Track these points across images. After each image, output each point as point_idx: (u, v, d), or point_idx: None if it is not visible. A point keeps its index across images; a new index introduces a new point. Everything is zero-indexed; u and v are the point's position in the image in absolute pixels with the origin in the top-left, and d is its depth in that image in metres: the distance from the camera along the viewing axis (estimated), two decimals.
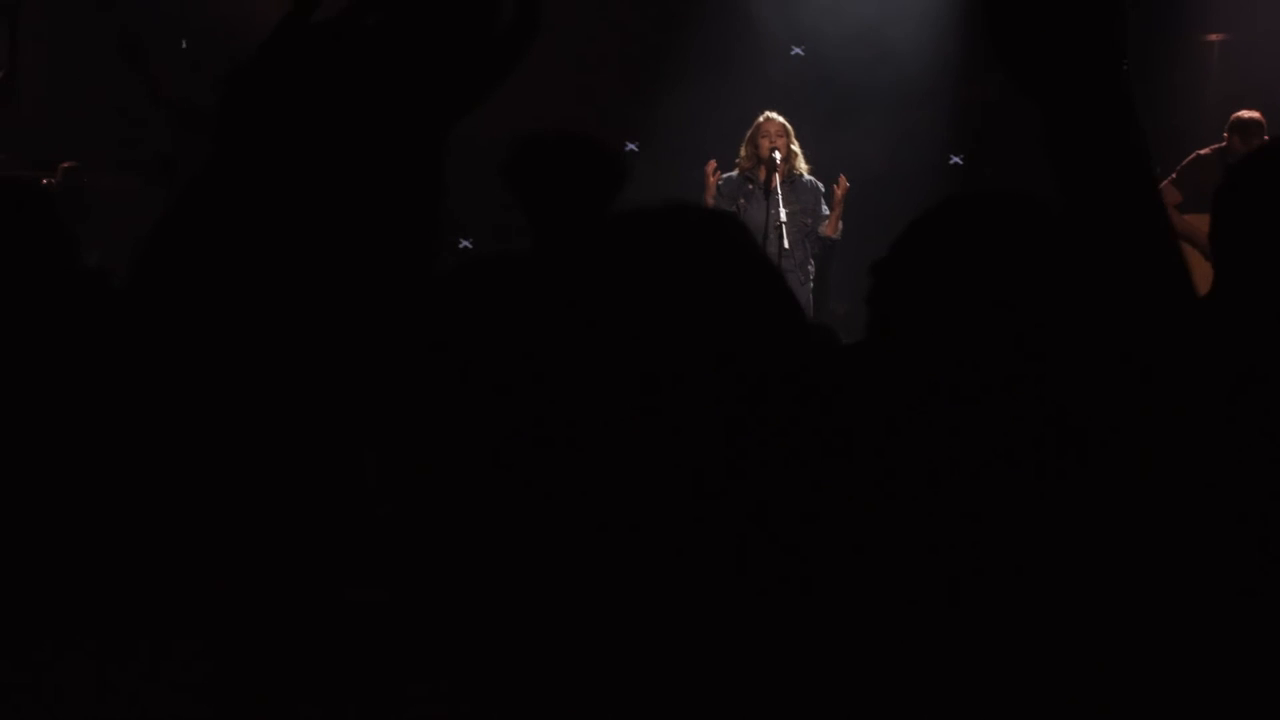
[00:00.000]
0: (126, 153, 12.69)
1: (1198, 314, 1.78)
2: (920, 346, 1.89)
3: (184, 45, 13.22)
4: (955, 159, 12.66)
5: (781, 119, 10.24)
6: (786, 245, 9.61)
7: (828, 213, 10.16)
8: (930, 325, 1.90)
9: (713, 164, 10.23)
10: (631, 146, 13.46)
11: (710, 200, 10.09)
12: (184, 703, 1.62)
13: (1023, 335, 1.80)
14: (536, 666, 1.59)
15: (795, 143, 10.23)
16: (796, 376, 1.69)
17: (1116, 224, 1.76)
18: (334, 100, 1.62)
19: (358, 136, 1.61)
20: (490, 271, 1.75)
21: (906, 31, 12.52)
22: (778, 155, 9.95)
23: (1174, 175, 9.97)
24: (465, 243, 12.45)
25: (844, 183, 10.14)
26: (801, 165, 10.25)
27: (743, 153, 10.30)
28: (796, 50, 13.35)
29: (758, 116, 10.36)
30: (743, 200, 10.12)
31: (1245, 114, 10.02)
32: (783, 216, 9.69)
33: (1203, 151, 10.20)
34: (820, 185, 10.26)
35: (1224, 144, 10.11)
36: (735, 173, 10.27)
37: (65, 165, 12.08)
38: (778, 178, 9.88)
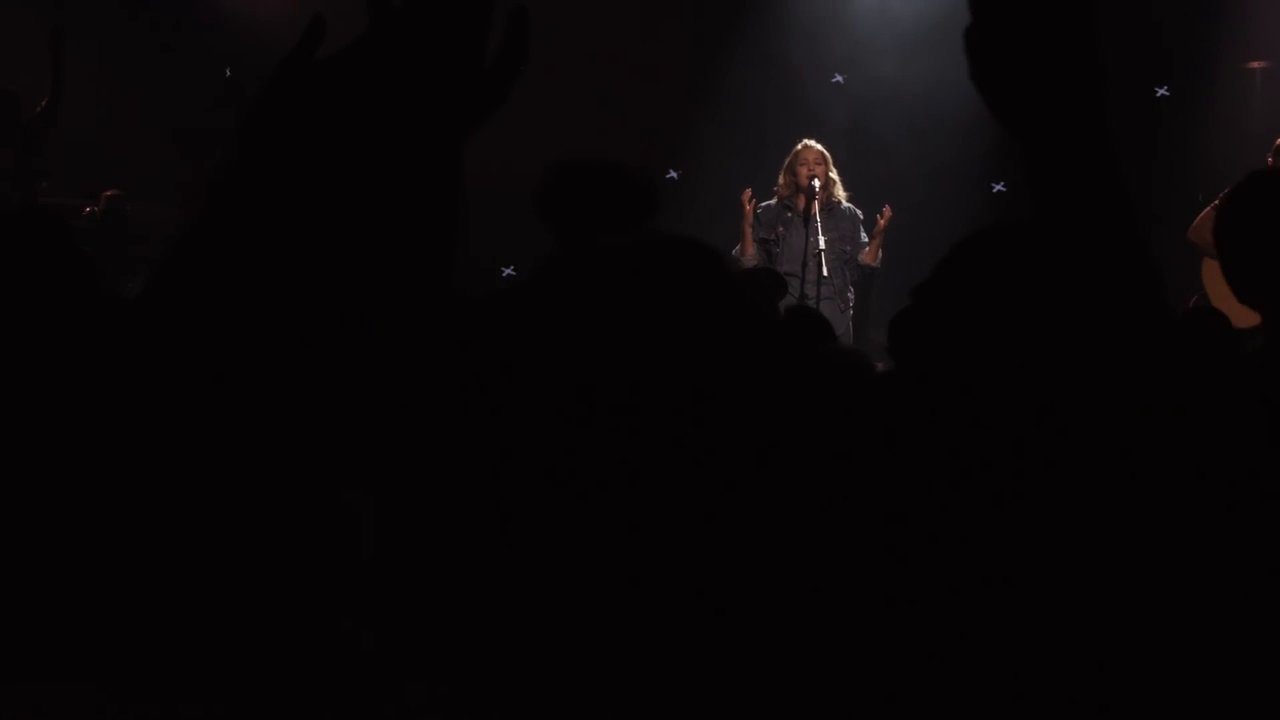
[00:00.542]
0: (173, 184, 12.79)
1: (1176, 337, 1.77)
2: (940, 371, 1.89)
3: (228, 73, 13.31)
4: (998, 186, 12.63)
5: (820, 146, 10.24)
6: (825, 273, 9.60)
7: (867, 240, 10.15)
8: (951, 350, 1.90)
9: (748, 193, 10.23)
10: (673, 174, 13.49)
11: (748, 228, 10.10)
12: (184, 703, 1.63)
13: (1026, 357, 1.81)
14: (536, 670, 1.60)
15: (834, 170, 10.23)
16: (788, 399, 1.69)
17: (1095, 253, 1.75)
18: (344, 122, 1.63)
19: (368, 156, 1.63)
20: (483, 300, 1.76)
21: (949, 57, 12.49)
22: (816, 183, 9.95)
23: (1217, 201, 9.94)
24: (509, 270, 12.48)
25: (887, 212, 10.12)
26: (840, 193, 10.24)
27: (781, 180, 10.31)
28: (837, 78, 13.36)
29: (796, 144, 10.37)
30: (781, 228, 10.12)
31: None
32: (821, 244, 9.69)
33: None
34: (859, 212, 10.26)
35: (1269, 168, 10.08)
36: (774, 200, 10.28)
37: (108, 193, 12.16)
38: (816, 205, 9.88)
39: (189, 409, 1.57)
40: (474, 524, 1.61)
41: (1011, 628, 1.72)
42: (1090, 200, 1.75)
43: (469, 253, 1.89)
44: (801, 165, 10.13)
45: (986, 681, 1.70)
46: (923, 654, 1.70)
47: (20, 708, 1.66)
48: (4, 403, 2.39)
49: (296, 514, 1.61)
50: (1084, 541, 1.72)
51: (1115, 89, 1.78)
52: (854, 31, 13.14)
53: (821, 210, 9.93)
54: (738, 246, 10.15)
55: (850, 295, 10.23)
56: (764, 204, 10.26)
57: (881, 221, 10.10)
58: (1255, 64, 13.09)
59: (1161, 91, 12.94)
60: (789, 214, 10.16)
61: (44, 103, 10.81)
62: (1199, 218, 9.35)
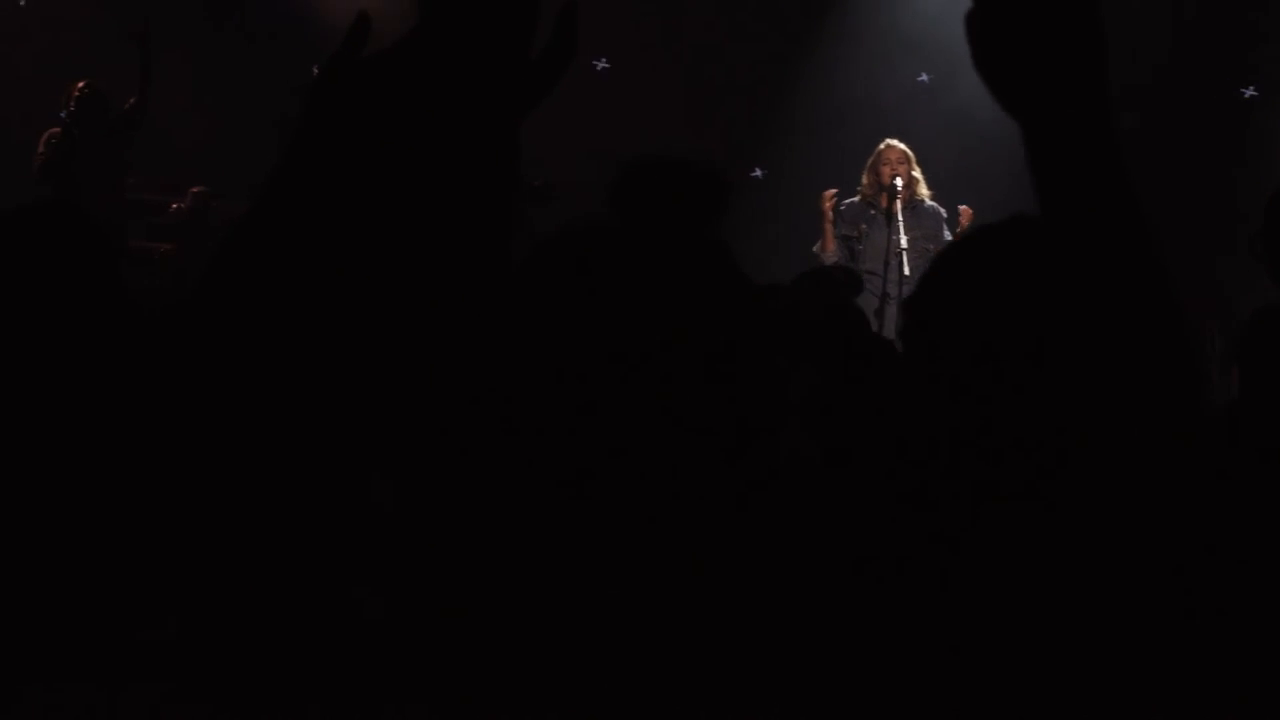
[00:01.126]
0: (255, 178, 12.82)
1: (1181, 331, 1.75)
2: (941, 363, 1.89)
3: (315, 72, 13.38)
4: None
5: (903, 146, 10.22)
6: (907, 271, 9.56)
7: (950, 238, 10.11)
8: (951, 345, 1.90)
9: (829, 192, 10.22)
10: (758, 172, 13.49)
11: (828, 226, 10.09)
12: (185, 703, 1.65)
13: (1026, 354, 1.80)
14: (534, 669, 1.61)
15: (917, 169, 10.20)
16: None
17: (1098, 244, 1.74)
18: (394, 116, 1.65)
19: (417, 151, 1.64)
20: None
21: None
22: (899, 181, 9.93)
23: None
24: None
25: (968, 213, 10.08)
26: (924, 191, 10.21)
27: (864, 180, 10.29)
28: (923, 76, 13.32)
29: (879, 144, 10.36)
30: (864, 225, 10.11)
31: None
32: (903, 242, 9.65)
33: None
34: (943, 211, 10.22)
35: None
36: (857, 198, 10.26)
37: (195, 190, 12.25)
38: (899, 204, 9.85)
39: (230, 405, 1.59)
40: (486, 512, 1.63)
41: (1012, 625, 1.71)
42: (1091, 186, 1.74)
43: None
44: (884, 164, 10.11)
45: (978, 674, 1.70)
46: (923, 645, 1.70)
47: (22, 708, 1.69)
48: (30, 395, 2.42)
49: (322, 503, 1.62)
50: (1079, 538, 1.72)
51: (1202, 89, 1.78)
52: (941, 28, 13.08)
53: (904, 209, 9.90)
54: (818, 244, 10.14)
55: None
56: (847, 200, 10.24)
57: (963, 221, 10.05)
58: None
59: (1250, 92, 12.83)
60: (872, 211, 10.14)
61: (132, 100, 10.91)
62: None
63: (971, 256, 1.97)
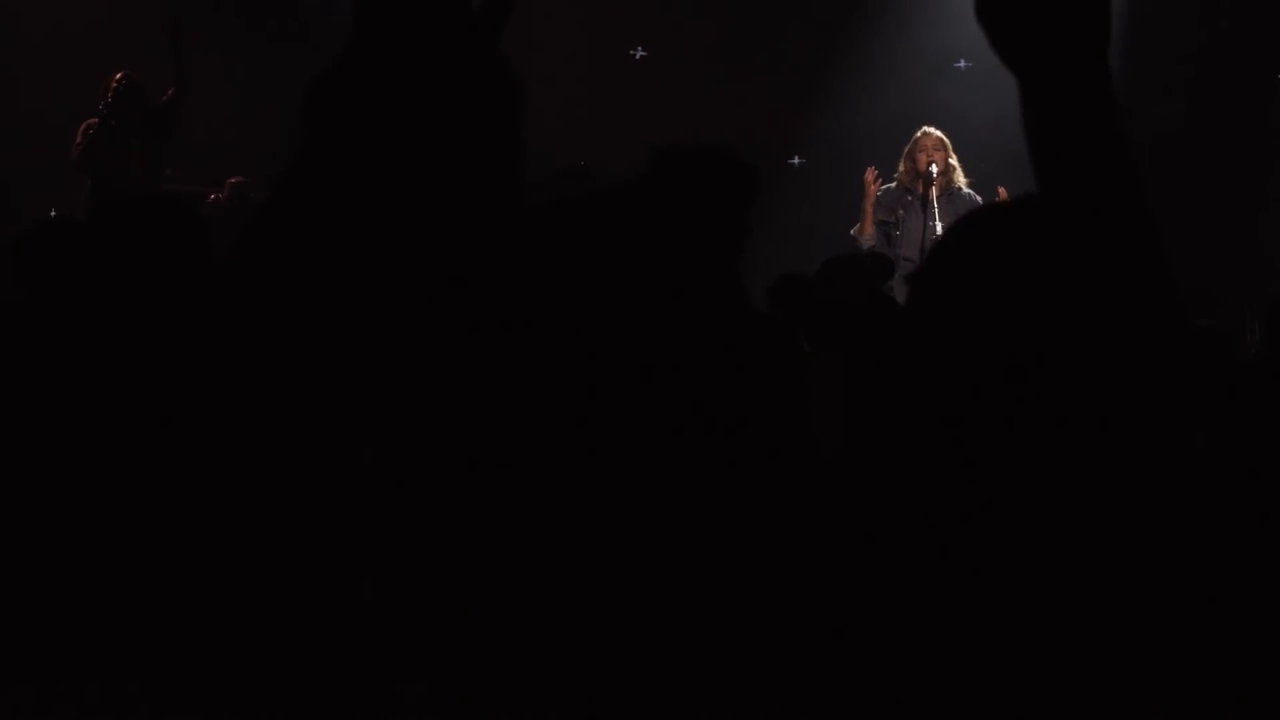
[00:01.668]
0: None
1: (1176, 299, 1.74)
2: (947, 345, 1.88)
3: None
4: None
5: (939, 133, 10.21)
6: None
7: None
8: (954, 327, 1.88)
9: (872, 171, 10.23)
10: (798, 159, 13.46)
11: (869, 207, 10.09)
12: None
13: (1028, 332, 1.79)
14: (535, 665, 1.61)
15: (953, 156, 10.18)
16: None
17: (1094, 208, 1.73)
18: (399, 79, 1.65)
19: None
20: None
21: None
22: (934, 168, 9.92)
23: None
24: None
25: (1002, 194, 10.05)
26: (960, 179, 10.20)
27: (901, 167, 10.28)
28: (961, 63, 13.26)
29: (917, 130, 10.34)
30: (901, 211, 10.10)
31: None
32: (939, 230, 9.64)
33: None
34: (979, 199, 10.19)
35: None
36: (894, 184, 10.25)
37: (233, 180, 12.28)
38: (934, 191, 9.84)
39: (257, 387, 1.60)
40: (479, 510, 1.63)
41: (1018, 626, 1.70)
42: (1087, 144, 1.72)
43: None
44: (920, 151, 10.10)
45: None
46: (948, 636, 1.70)
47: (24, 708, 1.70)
48: (126, 386, 2.43)
49: (325, 493, 1.63)
50: (1079, 524, 1.70)
51: (1239, 71, 1.76)
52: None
53: (941, 196, 9.90)
54: (856, 226, 10.14)
55: None
56: (884, 186, 10.23)
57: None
58: None
59: None
60: (909, 198, 10.13)
61: (170, 92, 10.95)
62: None
63: (974, 234, 1.96)
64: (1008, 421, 1.74)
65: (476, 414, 1.66)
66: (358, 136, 1.64)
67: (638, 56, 13.33)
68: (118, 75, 10.93)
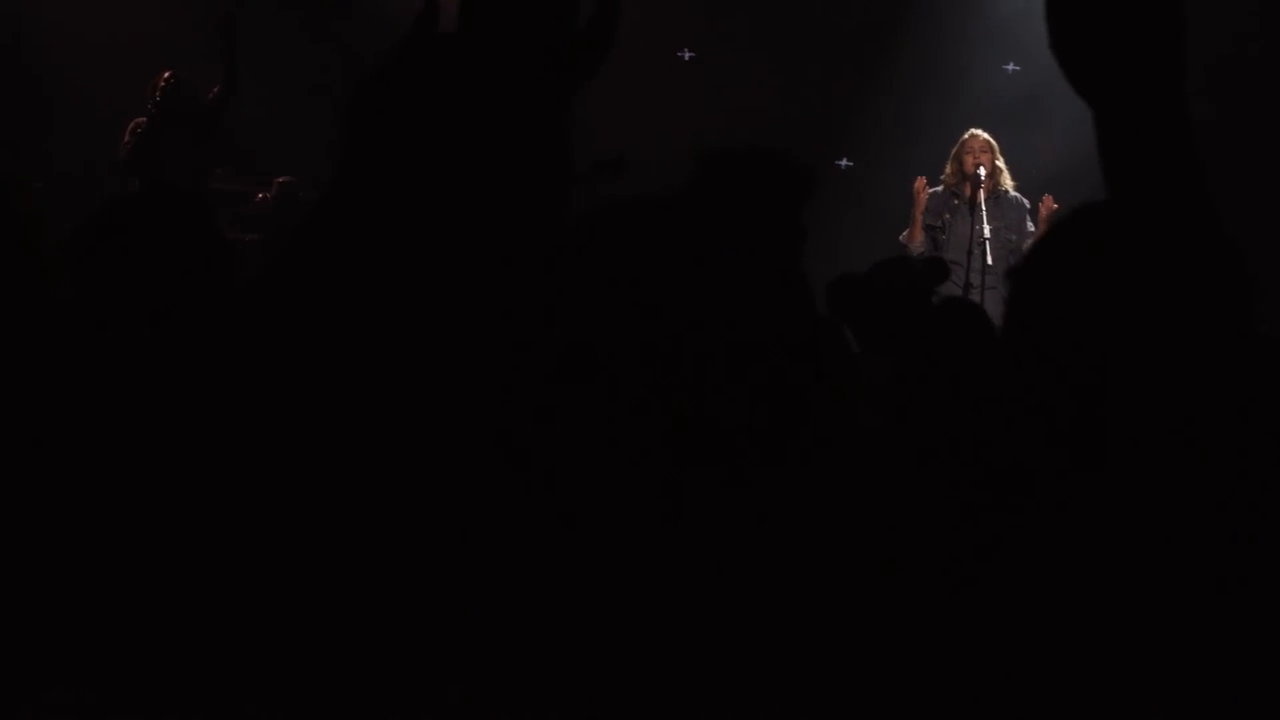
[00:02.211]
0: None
1: (1247, 314, 1.73)
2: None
3: None
4: None
5: (986, 135, 10.17)
6: (990, 261, 9.51)
7: (1033, 229, 10.04)
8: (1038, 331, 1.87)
9: (922, 180, 10.19)
10: (847, 162, 13.45)
11: (919, 214, 10.06)
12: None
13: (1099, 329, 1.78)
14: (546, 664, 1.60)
15: (1000, 159, 10.14)
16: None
17: (1167, 226, 1.72)
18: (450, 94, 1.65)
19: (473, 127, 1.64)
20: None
21: None
22: (981, 171, 9.88)
23: None
24: None
25: (1050, 203, 10.01)
26: (1007, 181, 10.16)
27: (948, 169, 10.25)
28: (1011, 66, 13.22)
29: (964, 133, 10.31)
30: (947, 215, 10.06)
31: None
32: (986, 233, 9.60)
33: None
34: (1026, 202, 10.15)
35: None
36: (941, 188, 10.21)
37: (281, 179, 12.31)
38: (982, 194, 9.80)
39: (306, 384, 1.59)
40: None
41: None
42: (1161, 173, 1.72)
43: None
44: (967, 153, 10.06)
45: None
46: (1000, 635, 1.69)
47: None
48: (141, 380, 2.43)
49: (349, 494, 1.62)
50: (1164, 522, 1.70)
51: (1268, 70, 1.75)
52: (1031, 18, 12.98)
53: (987, 199, 9.86)
54: (905, 232, 10.11)
55: None
56: (931, 190, 10.19)
57: (1044, 211, 9.98)
58: None
59: None
60: (955, 201, 10.10)
61: (216, 89, 10.97)
62: None
63: (1074, 239, 1.95)
64: (1101, 421, 1.74)
65: (534, 419, 1.65)
66: (404, 142, 1.64)
67: (686, 58, 13.31)
68: (165, 74, 10.97)
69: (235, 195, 12.35)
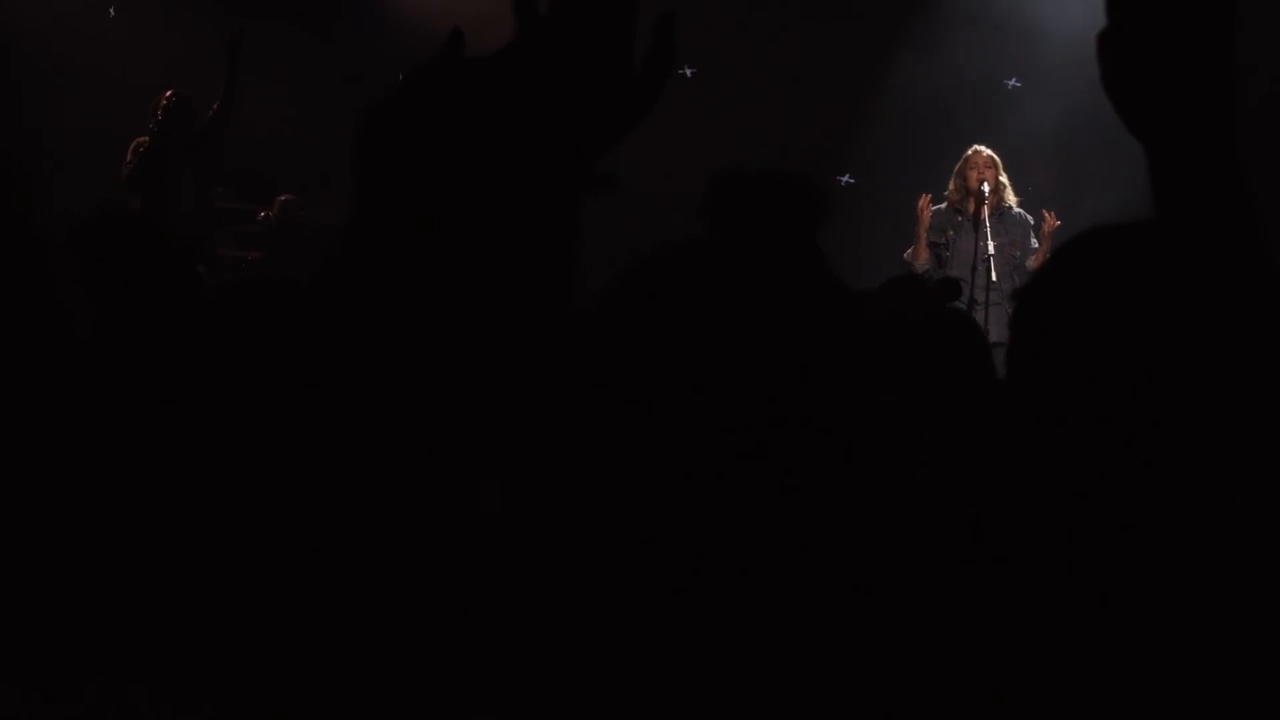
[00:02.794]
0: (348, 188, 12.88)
1: None
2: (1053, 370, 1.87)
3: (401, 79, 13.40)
4: None
5: (989, 151, 10.18)
6: (994, 278, 9.52)
7: (1036, 246, 10.05)
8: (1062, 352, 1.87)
9: (926, 198, 10.19)
10: (848, 179, 13.46)
11: (923, 233, 10.05)
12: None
13: (1138, 354, 1.77)
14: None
15: (1004, 175, 10.16)
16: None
17: (1221, 264, 1.72)
18: (483, 129, 1.63)
19: (504, 165, 1.63)
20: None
21: None
22: (986, 187, 9.88)
23: None
24: None
25: (1052, 220, 10.02)
26: (1010, 198, 10.17)
27: (952, 185, 10.26)
28: (1013, 82, 13.24)
29: (967, 149, 10.32)
30: (951, 232, 10.06)
31: None
32: (990, 249, 9.61)
33: None
34: (1029, 218, 10.16)
35: None
36: (944, 205, 10.21)
37: (283, 198, 12.33)
38: (986, 210, 9.81)
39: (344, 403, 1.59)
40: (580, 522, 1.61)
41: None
42: (1214, 212, 1.72)
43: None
44: (971, 169, 10.08)
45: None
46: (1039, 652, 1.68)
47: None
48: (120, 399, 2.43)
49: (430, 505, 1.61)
50: (1195, 541, 1.69)
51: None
52: (1034, 33, 13.00)
53: (991, 215, 9.86)
54: (910, 250, 10.10)
55: None
56: (934, 207, 10.20)
57: (1046, 228, 10.00)
58: None
59: None
60: (959, 218, 10.10)
61: (215, 106, 10.98)
62: None
63: (1090, 258, 1.95)
64: (1129, 440, 1.74)
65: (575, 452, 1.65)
66: (426, 172, 1.63)
67: (688, 75, 13.32)
68: (167, 93, 10.98)
69: (237, 213, 12.36)
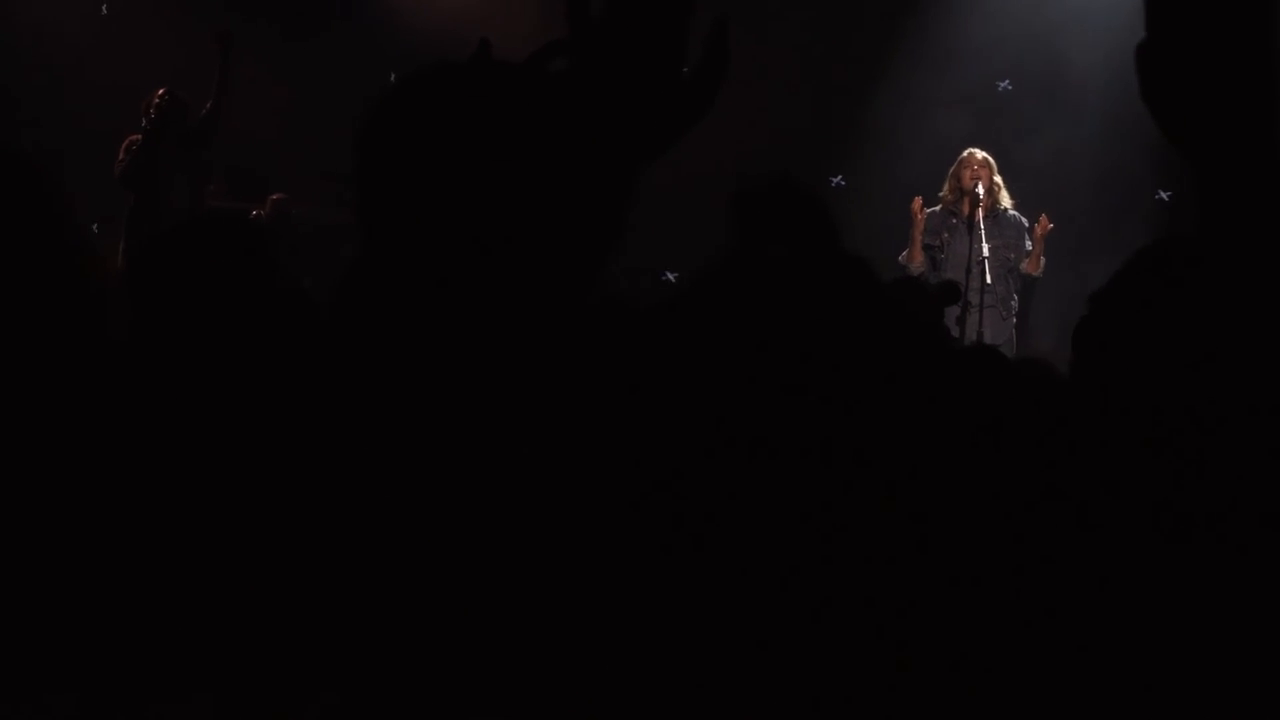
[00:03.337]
0: (340, 187, 12.92)
1: None
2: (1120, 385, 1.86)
3: (393, 79, 13.41)
4: (1162, 195, 12.44)
5: (984, 153, 10.16)
6: (989, 280, 9.49)
7: (1030, 248, 10.04)
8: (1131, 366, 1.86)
9: (919, 200, 10.17)
10: (838, 180, 13.44)
11: (917, 235, 10.03)
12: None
13: (1196, 371, 1.77)
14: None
15: (999, 176, 10.14)
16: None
17: (1263, 274, 1.72)
18: (511, 136, 1.62)
19: (537, 171, 1.62)
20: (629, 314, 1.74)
21: (1117, 65, 12.35)
22: (980, 189, 9.86)
23: None
24: (669, 275, 12.50)
25: (1045, 223, 10.02)
26: (1005, 199, 10.14)
27: (946, 187, 10.24)
28: (1004, 84, 13.23)
29: (961, 151, 10.30)
30: (945, 234, 10.04)
31: None
32: (985, 251, 9.58)
33: None
34: (1024, 220, 10.14)
35: None
36: (938, 207, 10.19)
37: (275, 197, 12.32)
38: (980, 212, 9.78)
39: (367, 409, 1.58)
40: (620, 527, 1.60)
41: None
42: (1258, 222, 1.72)
43: (629, 257, 1.88)
44: (965, 170, 10.05)
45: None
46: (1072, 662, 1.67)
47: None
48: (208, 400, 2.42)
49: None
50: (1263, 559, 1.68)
51: None
52: (1023, 35, 12.99)
53: (986, 217, 9.83)
54: (905, 253, 10.08)
55: (1014, 303, 10.11)
56: (929, 210, 10.17)
57: (1039, 231, 9.99)
58: None
59: None
60: (953, 220, 10.08)
61: (208, 105, 10.97)
62: None
63: (1159, 270, 1.94)
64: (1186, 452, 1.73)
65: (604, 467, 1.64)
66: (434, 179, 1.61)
67: None
68: (160, 91, 10.97)
69: (229, 212, 12.34)
